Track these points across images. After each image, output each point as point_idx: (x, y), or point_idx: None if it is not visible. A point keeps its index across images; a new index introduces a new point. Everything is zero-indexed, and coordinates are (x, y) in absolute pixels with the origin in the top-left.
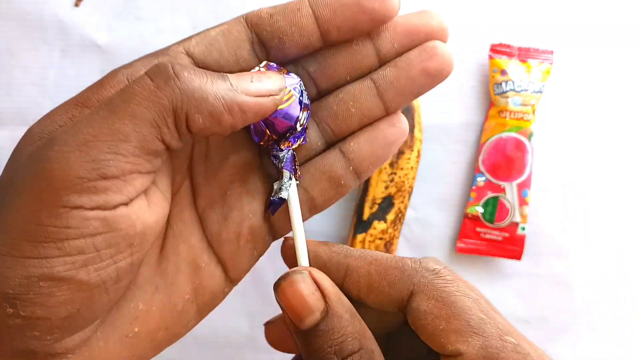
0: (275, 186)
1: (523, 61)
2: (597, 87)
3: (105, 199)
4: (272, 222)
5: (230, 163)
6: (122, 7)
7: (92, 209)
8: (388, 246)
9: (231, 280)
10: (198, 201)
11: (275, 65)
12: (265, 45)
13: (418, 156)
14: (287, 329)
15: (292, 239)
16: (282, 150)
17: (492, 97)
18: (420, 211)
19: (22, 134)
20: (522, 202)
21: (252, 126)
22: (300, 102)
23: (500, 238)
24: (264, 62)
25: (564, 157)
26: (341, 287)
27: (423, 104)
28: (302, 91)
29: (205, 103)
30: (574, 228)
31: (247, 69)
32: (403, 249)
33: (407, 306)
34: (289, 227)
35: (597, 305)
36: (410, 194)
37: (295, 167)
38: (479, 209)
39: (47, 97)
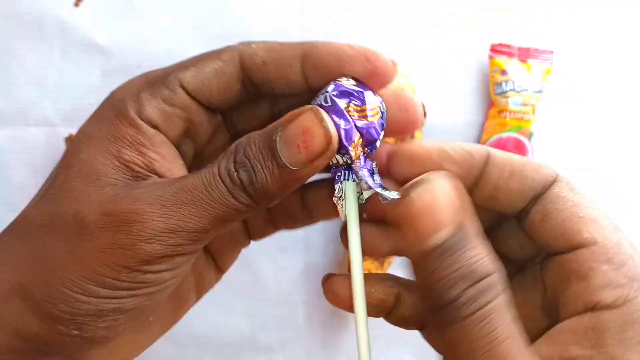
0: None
1: (523, 61)
2: (597, 87)
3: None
4: (249, 224)
5: None
6: (122, 6)
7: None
8: None
9: (221, 270)
10: None
11: (355, 85)
12: (257, 87)
13: None
14: (392, 254)
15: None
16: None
17: (492, 97)
18: None
19: (22, 134)
20: None
21: (344, 130)
22: (382, 124)
23: None
24: (332, 87)
25: (564, 157)
26: (481, 175)
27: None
28: (383, 112)
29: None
30: None
31: (235, 104)
32: None
33: (543, 194)
34: (264, 231)
35: None
36: None
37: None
38: None
39: (47, 97)
